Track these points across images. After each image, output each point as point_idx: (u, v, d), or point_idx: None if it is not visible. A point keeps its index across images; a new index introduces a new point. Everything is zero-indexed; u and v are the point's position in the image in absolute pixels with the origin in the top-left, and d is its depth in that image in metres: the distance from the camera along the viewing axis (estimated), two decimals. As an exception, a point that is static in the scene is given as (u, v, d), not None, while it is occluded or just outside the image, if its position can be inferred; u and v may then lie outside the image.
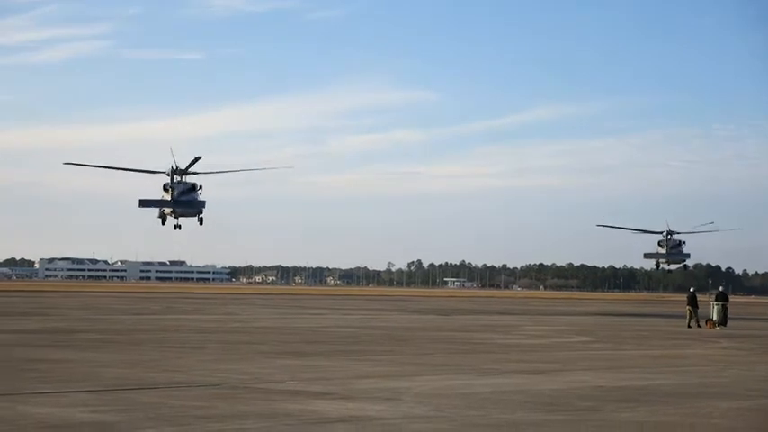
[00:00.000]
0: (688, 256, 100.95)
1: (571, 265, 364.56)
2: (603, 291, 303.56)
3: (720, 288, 58.82)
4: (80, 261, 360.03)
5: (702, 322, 53.43)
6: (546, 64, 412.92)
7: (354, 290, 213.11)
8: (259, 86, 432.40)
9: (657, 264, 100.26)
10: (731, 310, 56.89)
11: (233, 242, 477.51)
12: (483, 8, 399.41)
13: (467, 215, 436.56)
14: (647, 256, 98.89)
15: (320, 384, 21.05)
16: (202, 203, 74.49)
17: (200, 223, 76.33)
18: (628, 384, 22.68)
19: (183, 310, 65.81)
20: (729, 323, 54.50)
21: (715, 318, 53.65)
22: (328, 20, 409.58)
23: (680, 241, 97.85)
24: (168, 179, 73.73)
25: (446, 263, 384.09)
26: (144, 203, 73.30)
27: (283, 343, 34.26)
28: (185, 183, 74.07)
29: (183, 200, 73.28)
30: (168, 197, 73.37)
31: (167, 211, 74.31)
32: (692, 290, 56.79)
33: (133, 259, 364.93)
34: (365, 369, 25.15)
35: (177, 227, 75.27)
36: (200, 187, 74.82)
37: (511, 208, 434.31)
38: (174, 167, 70.73)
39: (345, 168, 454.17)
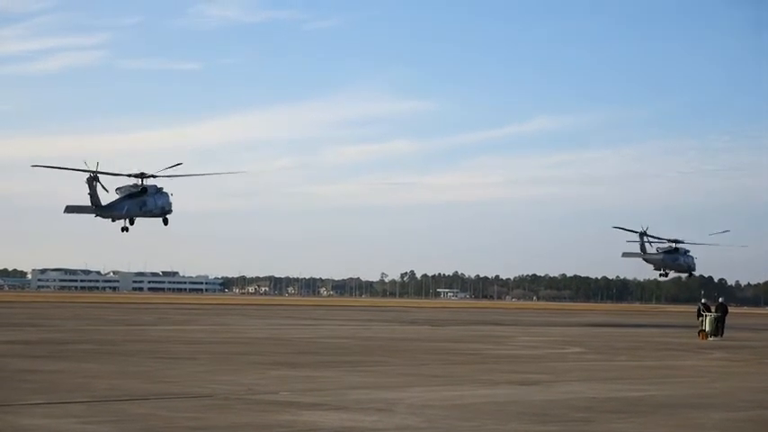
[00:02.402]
0: (689, 266, 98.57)
1: (564, 275, 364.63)
2: (596, 302, 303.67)
3: (720, 299, 59.01)
4: (73, 272, 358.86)
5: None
6: (542, 75, 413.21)
7: (347, 300, 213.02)
8: (255, 96, 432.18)
9: (664, 272, 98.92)
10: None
11: (226, 252, 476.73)
12: (479, 18, 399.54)
13: (460, 226, 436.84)
14: (624, 255, 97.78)
15: (313, 395, 21.04)
16: (151, 205, 74.45)
17: (165, 223, 76.72)
18: (621, 395, 22.70)
19: (175, 320, 65.72)
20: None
21: (708, 329, 53.69)
22: (324, 30, 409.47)
23: (677, 248, 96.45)
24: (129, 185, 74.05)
25: (439, 274, 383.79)
26: (70, 209, 73.23)
27: (276, 354, 34.23)
28: (135, 185, 74.18)
29: (121, 204, 73.17)
30: (117, 197, 73.46)
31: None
32: (703, 301, 56.75)
33: (126, 270, 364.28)
34: (358, 380, 25.13)
35: (124, 229, 75.36)
36: (159, 189, 74.85)
37: (504, 218, 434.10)
38: (93, 174, 70.35)
39: (339, 179, 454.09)
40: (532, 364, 32.15)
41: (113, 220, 73.91)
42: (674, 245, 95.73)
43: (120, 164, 76.07)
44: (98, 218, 72.94)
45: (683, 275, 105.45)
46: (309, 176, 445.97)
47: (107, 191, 71.43)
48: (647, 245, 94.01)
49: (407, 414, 18.39)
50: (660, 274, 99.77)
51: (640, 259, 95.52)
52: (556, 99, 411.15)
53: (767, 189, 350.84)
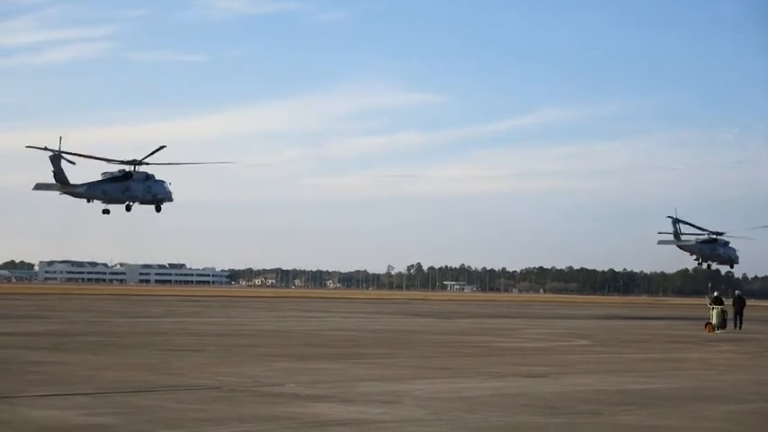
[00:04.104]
0: (731, 258, 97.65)
1: (571, 268, 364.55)
2: (603, 294, 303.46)
3: (737, 292, 59.32)
4: (80, 264, 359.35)
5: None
6: (549, 67, 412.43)
7: (354, 293, 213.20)
8: (261, 89, 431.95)
9: (706, 264, 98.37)
10: (730, 314, 56.84)
11: (233, 245, 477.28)
12: (486, 10, 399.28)
13: (467, 218, 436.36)
14: (660, 242, 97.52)
15: (320, 387, 21.03)
16: (136, 191, 74.45)
17: (157, 210, 76.71)
18: (628, 388, 22.65)
19: (182, 312, 65.80)
20: (729, 326, 54.73)
21: (715, 321, 53.66)
22: (331, 22, 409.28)
23: (715, 239, 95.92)
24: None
25: (446, 266, 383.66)
26: (39, 187, 73.11)
27: (283, 346, 34.23)
28: (121, 171, 74.06)
29: (91, 186, 72.95)
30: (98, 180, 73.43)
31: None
32: (715, 294, 56.78)
33: (132, 262, 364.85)
34: (365, 372, 25.12)
35: (105, 211, 75.42)
36: (149, 176, 74.78)
37: (511, 211, 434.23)
38: (57, 153, 70.05)
39: (346, 171, 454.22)
40: (539, 357, 32.13)
41: (88, 201, 73.72)
42: (713, 236, 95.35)
43: (125, 156, 76.13)
44: (65, 195, 72.65)
45: (714, 267, 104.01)
46: (316, 169, 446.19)
47: (73, 162, 71.10)
48: (681, 234, 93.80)
49: (414, 406, 18.38)
50: (698, 263, 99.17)
51: (674, 247, 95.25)
52: (563, 91, 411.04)
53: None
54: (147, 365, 25.27)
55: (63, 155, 69.92)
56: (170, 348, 31.64)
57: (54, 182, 71.16)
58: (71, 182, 71.60)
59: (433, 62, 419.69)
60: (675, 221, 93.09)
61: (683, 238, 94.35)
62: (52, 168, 70.17)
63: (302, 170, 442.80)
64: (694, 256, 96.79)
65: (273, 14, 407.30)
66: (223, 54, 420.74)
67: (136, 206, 75.75)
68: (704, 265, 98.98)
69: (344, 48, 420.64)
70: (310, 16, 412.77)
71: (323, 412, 17.35)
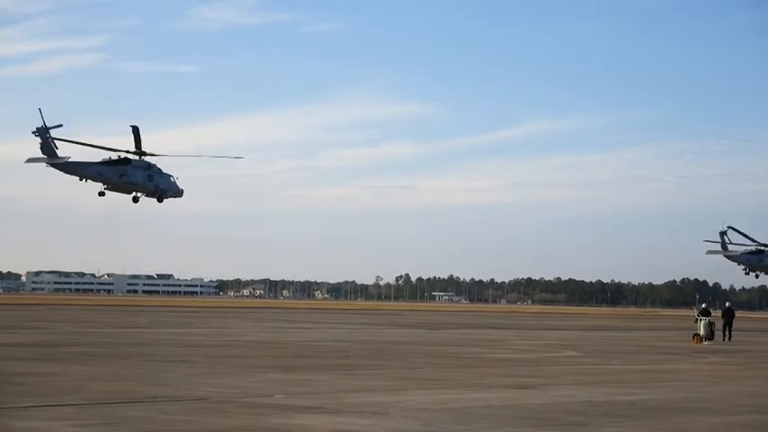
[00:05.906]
0: None
1: (559, 279, 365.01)
2: (591, 305, 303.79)
3: (727, 304, 59.59)
4: (67, 274, 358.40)
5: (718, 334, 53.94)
6: (539, 78, 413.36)
7: (343, 304, 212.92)
8: (252, 99, 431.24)
9: (749, 271, 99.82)
10: (719, 325, 56.95)
11: (221, 255, 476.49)
12: (478, 21, 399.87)
13: (455, 229, 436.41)
14: (709, 252, 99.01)
15: (308, 399, 21.00)
16: (134, 178, 73.96)
17: (159, 201, 76.17)
18: (615, 399, 22.67)
19: (170, 323, 65.64)
20: (717, 337, 54.81)
21: (702, 333, 53.74)
22: (322, 33, 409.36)
23: (762, 250, 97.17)
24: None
25: (434, 277, 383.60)
26: (30, 160, 72.71)
27: (271, 357, 34.17)
28: (127, 159, 73.63)
29: (82, 163, 72.44)
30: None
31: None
32: (703, 305, 56.92)
33: (120, 272, 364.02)
34: (353, 383, 25.10)
35: (101, 193, 74.94)
36: (150, 166, 74.32)
37: (500, 222, 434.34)
38: (42, 127, 69.69)
39: (335, 182, 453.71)
40: (527, 368, 32.14)
41: (81, 179, 73.08)
42: (761, 247, 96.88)
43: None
44: (53, 169, 71.91)
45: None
46: (305, 179, 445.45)
47: (56, 147, 70.59)
48: (728, 244, 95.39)
49: (402, 417, 18.36)
50: (746, 273, 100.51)
51: (721, 257, 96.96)
52: (553, 102, 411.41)
53: (765, 193, 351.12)
54: (134, 376, 25.19)
55: (50, 132, 69.41)
56: (158, 359, 31.56)
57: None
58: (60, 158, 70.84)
59: (424, 73, 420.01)
60: (723, 233, 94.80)
61: (730, 248, 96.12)
62: (39, 141, 69.88)
63: (292, 181, 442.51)
64: (742, 266, 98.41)
65: (265, 25, 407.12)
66: (214, 64, 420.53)
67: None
68: (752, 275, 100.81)
69: (336, 58, 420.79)
70: (302, 27, 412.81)
71: (311, 423, 17.32)
